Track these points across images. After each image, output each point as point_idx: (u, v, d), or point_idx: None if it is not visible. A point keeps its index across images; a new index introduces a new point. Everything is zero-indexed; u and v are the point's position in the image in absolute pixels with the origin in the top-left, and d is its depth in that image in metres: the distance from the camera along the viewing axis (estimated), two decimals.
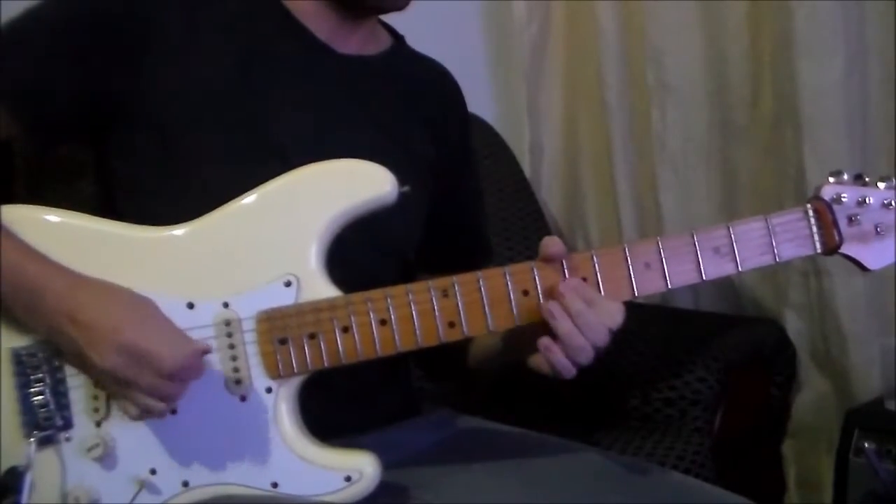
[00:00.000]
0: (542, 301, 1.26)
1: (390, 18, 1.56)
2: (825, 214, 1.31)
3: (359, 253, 1.32)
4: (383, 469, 1.27)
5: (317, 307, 1.26)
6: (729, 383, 2.23)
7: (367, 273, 1.33)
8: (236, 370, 1.26)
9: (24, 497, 1.19)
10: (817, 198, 1.32)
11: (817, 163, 2.26)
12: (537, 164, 2.96)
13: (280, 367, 1.26)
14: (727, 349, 2.28)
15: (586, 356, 1.25)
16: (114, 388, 1.24)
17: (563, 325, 1.24)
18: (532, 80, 2.91)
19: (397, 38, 1.61)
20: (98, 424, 1.27)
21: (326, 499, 1.26)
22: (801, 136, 2.29)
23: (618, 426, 2.21)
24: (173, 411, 1.26)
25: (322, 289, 1.27)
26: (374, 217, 1.29)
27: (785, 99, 2.34)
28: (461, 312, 1.26)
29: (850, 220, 1.31)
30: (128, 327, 1.21)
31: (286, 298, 1.26)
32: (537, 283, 1.26)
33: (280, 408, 1.27)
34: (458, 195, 1.66)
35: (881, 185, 1.33)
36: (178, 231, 1.29)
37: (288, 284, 1.26)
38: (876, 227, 1.32)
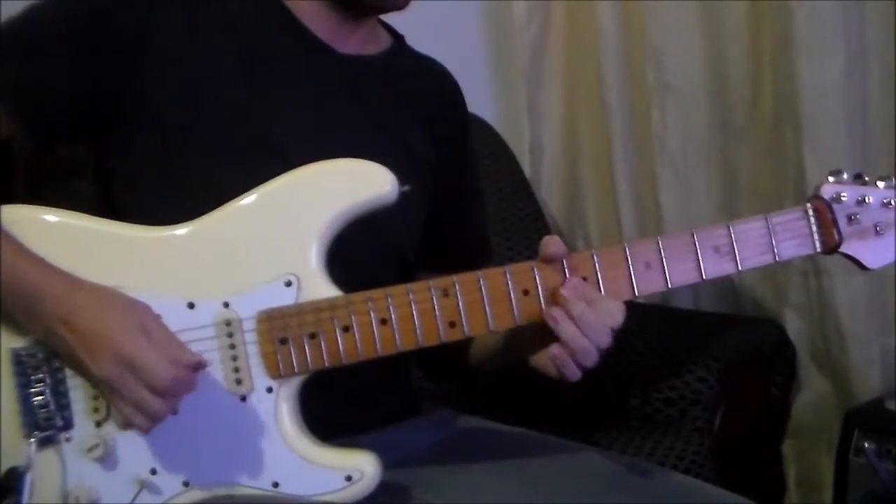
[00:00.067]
0: (542, 301, 1.27)
1: (390, 18, 1.56)
2: (825, 213, 1.31)
3: (359, 252, 1.32)
4: (384, 469, 1.27)
5: (317, 307, 1.26)
6: (729, 383, 2.23)
7: (367, 273, 1.33)
8: (237, 370, 1.26)
9: (25, 497, 1.19)
10: (817, 197, 1.32)
11: (817, 163, 2.26)
12: (537, 164, 2.96)
13: (280, 366, 1.26)
14: (727, 349, 2.28)
15: (591, 359, 1.25)
16: (106, 395, 1.24)
17: (566, 329, 1.24)
18: (532, 80, 2.92)
19: (397, 37, 1.61)
20: (98, 425, 1.27)
21: (327, 498, 1.26)
22: (801, 136, 2.29)
23: (618, 426, 2.21)
24: (174, 411, 1.25)
25: (322, 288, 1.27)
26: (375, 217, 1.29)
27: (785, 99, 2.35)
28: (462, 312, 1.26)
29: (850, 219, 1.31)
30: (123, 336, 1.20)
31: (286, 298, 1.26)
32: (538, 282, 1.26)
33: (280, 407, 1.27)
34: (458, 195, 1.66)
35: (880, 184, 1.33)
36: (179, 231, 1.29)
37: (288, 284, 1.26)
38: (875, 226, 1.32)
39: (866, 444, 2.05)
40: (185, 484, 1.27)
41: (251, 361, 1.26)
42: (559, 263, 1.27)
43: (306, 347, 1.26)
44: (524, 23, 2.87)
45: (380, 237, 1.41)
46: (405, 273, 1.51)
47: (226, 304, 1.26)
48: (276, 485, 1.27)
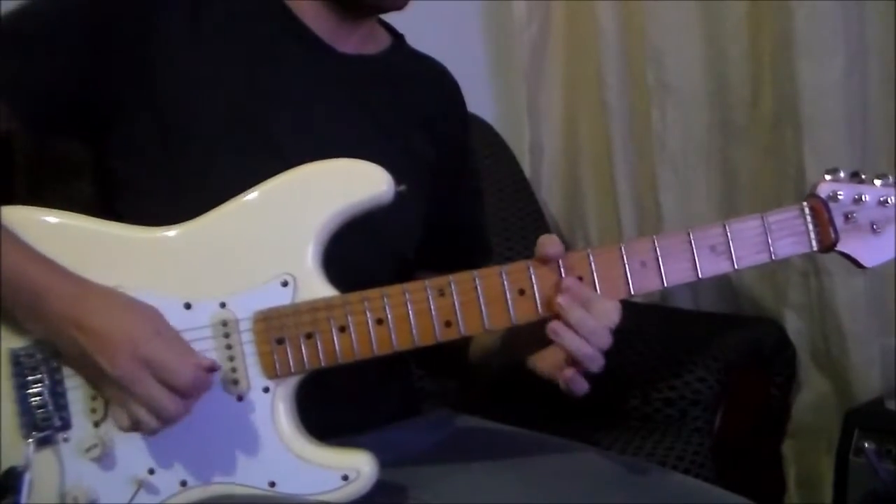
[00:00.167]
0: (538, 301, 1.26)
1: (390, 18, 1.56)
2: (821, 212, 1.31)
3: (356, 252, 1.32)
4: (382, 469, 1.27)
5: (314, 307, 1.26)
6: (729, 383, 2.23)
7: (364, 272, 1.33)
8: (233, 370, 1.26)
9: (23, 497, 1.19)
10: (813, 195, 1.32)
11: (817, 163, 2.26)
12: (537, 164, 2.96)
13: (277, 366, 1.26)
14: (727, 349, 2.28)
15: (598, 363, 1.25)
16: (113, 395, 1.23)
17: (569, 339, 1.24)
18: (532, 80, 2.92)
19: (397, 36, 1.61)
20: (96, 425, 1.27)
21: (324, 498, 1.26)
22: (801, 136, 2.29)
23: (618, 426, 2.21)
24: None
25: (319, 288, 1.27)
26: (372, 216, 1.29)
27: (785, 99, 2.34)
28: (458, 312, 1.26)
29: (847, 217, 1.31)
30: (143, 337, 1.20)
31: (283, 298, 1.26)
32: (534, 282, 1.26)
33: (277, 407, 1.27)
34: (458, 194, 1.66)
35: (877, 182, 1.32)
36: (175, 231, 1.29)
37: (285, 284, 1.26)
38: (872, 224, 1.31)
39: (866, 444, 2.05)
40: (183, 484, 1.27)
41: (248, 361, 1.26)
42: (555, 263, 1.26)
43: (303, 347, 1.26)
44: (524, 23, 2.88)
45: (377, 237, 1.41)
46: (403, 273, 1.51)
47: (222, 305, 1.26)
48: (272, 484, 1.27)
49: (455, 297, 1.26)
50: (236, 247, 1.28)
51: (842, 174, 1.32)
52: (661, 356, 2.28)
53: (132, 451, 1.27)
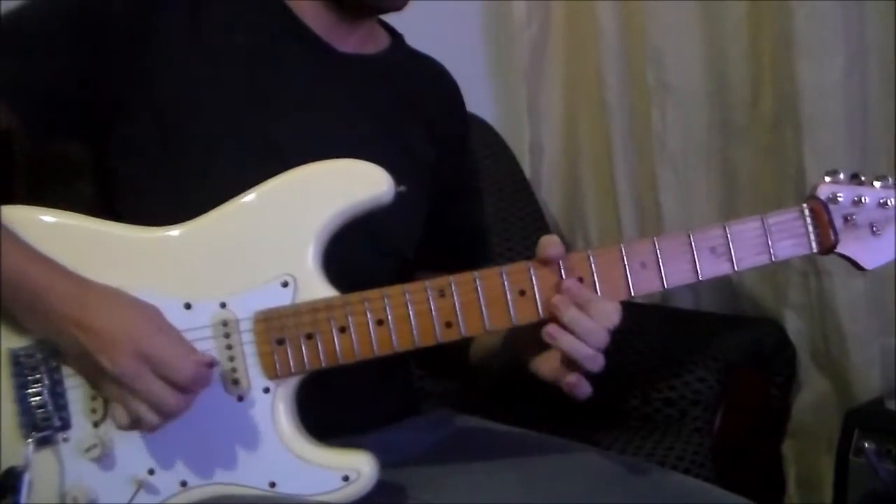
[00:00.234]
0: (539, 302, 1.26)
1: (390, 18, 1.56)
2: (821, 214, 1.31)
3: (356, 253, 1.32)
4: (382, 469, 1.27)
5: (314, 307, 1.26)
6: (729, 383, 2.23)
7: (364, 273, 1.33)
8: (234, 370, 1.26)
9: (23, 497, 1.19)
10: (813, 197, 1.32)
11: (817, 163, 2.26)
12: (537, 164, 2.96)
13: (277, 367, 1.26)
14: (727, 349, 2.28)
15: (597, 363, 1.25)
16: (113, 393, 1.23)
17: (565, 341, 1.24)
18: (532, 80, 2.91)
19: (396, 36, 1.61)
20: (96, 425, 1.27)
21: (324, 498, 1.26)
22: (801, 136, 2.29)
23: (618, 426, 2.21)
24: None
25: (319, 289, 1.27)
26: (372, 217, 1.29)
27: (785, 99, 2.34)
28: (458, 312, 1.26)
29: (846, 219, 1.31)
30: (143, 333, 1.20)
31: (283, 299, 1.26)
32: (534, 282, 1.26)
33: (278, 408, 1.27)
34: (458, 194, 1.66)
35: (877, 184, 1.32)
36: (176, 231, 1.29)
37: (285, 285, 1.26)
38: (872, 226, 1.31)
39: (866, 444, 2.05)
40: (183, 484, 1.27)
41: (248, 362, 1.27)
42: (556, 264, 1.26)
43: (303, 348, 1.26)
44: (524, 23, 2.87)
45: (377, 237, 1.41)
46: (403, 273, 1.51)
47: (223, 305, 1.27)
48: (272, 485, 1.27)
49: (455, 298, 1.26)
50: (237, 247, 1.28)
51: (841, 176, 1.32)
52: (661, 356, 2.28)
53: (132, 452, 1.27)
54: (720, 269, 1.28)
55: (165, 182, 1.37)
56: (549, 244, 1.26)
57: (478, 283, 1.26)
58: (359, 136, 1.46)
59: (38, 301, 1.23)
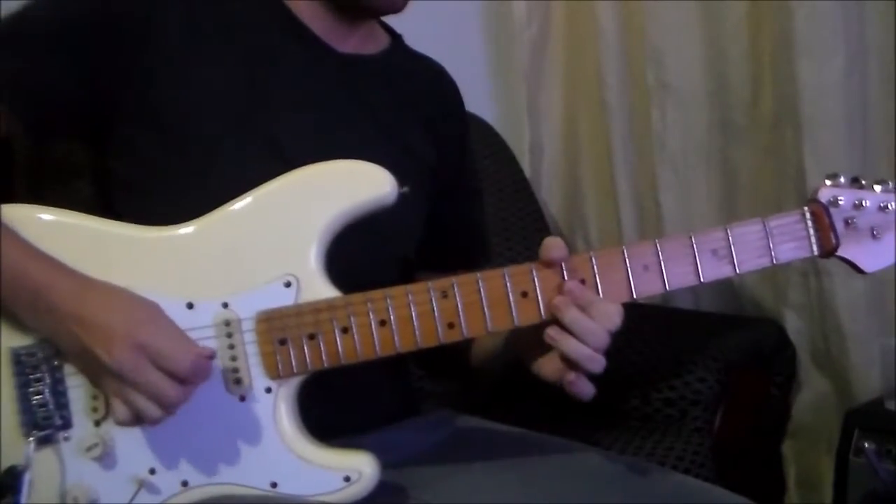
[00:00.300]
0: (541, 303, 1.26)
1: (389, 18, 1.56)
2: (822, 217, 1.31)
3: (358, 253, 1.31)
4: (383, 469, 1.27)
5: (316, 308, 1.26)
6: (729, 383, 2.23)
7: (366, 273, 1.33)
8: (236, 370, 1.26)
9: (23, 496, 1.19)
10: (814, 200, 1.32)
11: (817, 163, 2.26)
12: (537, 164, 2.96)
13: (279, 367, 1.26)
14: (727, 349, 2.28)
15: (598, 364, 1.24)
16: (113, 388, 1.22)
17: (566, 343, 1.24)
18: (532, 80, 2.92)
19: (395, 37, 1.61)
20: (97, 424, 1.27)
21: (325, 499, 1.26)
22: (801, 136, 2.29)
23: (618, 426, 2.21)
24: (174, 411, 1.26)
25: (322, 289, 1.27)
26: (374, 217, 1.29)
27: (785, 99, 2.35)
28: (460, 313, 1.26)
29: (847, 222, 1.31)
30: (140, 326, 1.20)
31: (286, 299, 1.26)
32: (536, 284, 1.26)
33: (279, 408, 1.27)
34: (458, 194, 1.66)
35: (877, 188, 1.32)
36: (178, 231, 1.29)
37: (288, 285, 1.26)
38: (872, 229, 1.32)
39: (866, 444, 2.05)
40: (184, 484, 1.27)
41: (250, 362, 1.26)
42: (558, 266, 1.26)
43: (305, 348, 1.26)
44: (524, 23, 2.87)
45: (379, 238, 1.41)
46: (405, 273, 1.51)
47: (225, 305, 1.26)
48: (274, 485, 1.27)
49: (458, 299, 1.26)
50: (239, 247, 1.28)
51: (842, 179, 1.33)
52: (661, 356, 2.28)
53: (133, 451, 1.27)
54: (722, 271, 1.28)
55: (165, 182, 1.37)
56: (552, 246, 1.26)
57: (480, 284, 1.26)
58: (359, 136, 1.46)
59: (38, 299, 1.24)
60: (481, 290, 1.26)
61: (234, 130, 1.37)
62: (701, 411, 2.19)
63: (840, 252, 1.32)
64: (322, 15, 1.46)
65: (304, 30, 1.45)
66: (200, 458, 1.27)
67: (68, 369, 1.27)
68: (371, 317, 1.26)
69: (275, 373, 1.26)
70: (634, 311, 1.28)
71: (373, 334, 1.26)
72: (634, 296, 1.27)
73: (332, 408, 1.34)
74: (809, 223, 1.31)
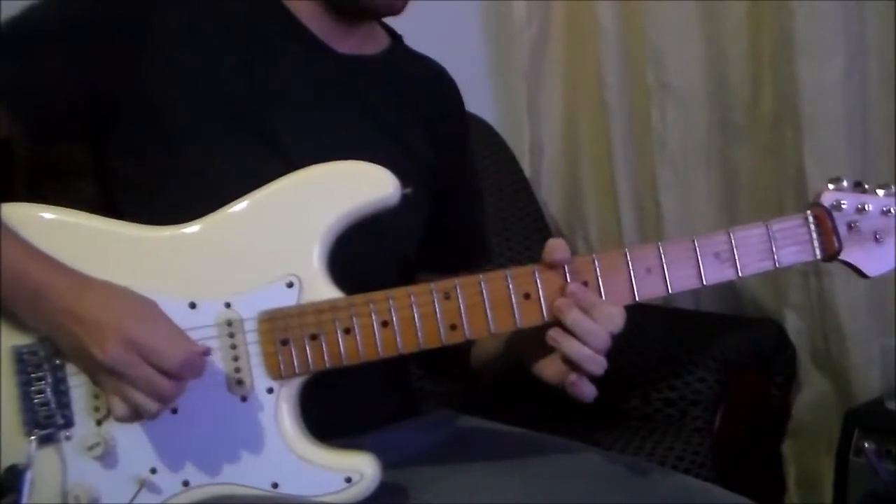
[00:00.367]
0: (543, 305, 1.26)
1: (389, 19, 1.56)
2: (825, 221, 1.32)
3: (360, 253, 1.31)
4: (383, 469, 1.27)
5: (318, 308, 1.26)
6: (729, 383, 2.24)
7: (367, 274, 1.33)
8: (238, 370, 1.26)
9: (25, 496, 1.19)
10: (817, 204, 1.33)
11: (817, 163, 2.26)
12: (537, 164, 2.95)
13: (281, 367, 1.26)
14: (727, 349, 2.28)
15: (599, 366, 1.25)
16: (110, 385, 1.23)
17: (567, 345, 1.24)
18: (532, 80, 2.91)
19: (395, 37, 1.61)
20: (99, 423, 1.27)
21: (326, 499, 1.26)
22: (801, 136, 2.29)
23: (618, 426, 2.21)
24: (174, 411, 1.26)
25: (324, 290, 1.27)
26: (375, 218, 1.29)
27: (785, 99, 2.34)
28: (463, 315, 1.26)
29: (850, 226, 1.31)
30: (133, 323, 1.20)
31: (288, 299, 1.26)
32: (539, 286, 1.26)
33: (281, 408, 1.27)
34: (458, 194, 1.66)
35: (880, 192, 1.33)
36: (181, 231, 1.29)
37: (290, 285, 1.26)
38: (875, 233, 1.32)
39: (866, 444, 2.05)
40: (185, 483, 1.27)
41: (252, 362, 1.27)
42: (561, 268, 1.26)
43: (307, 348, 1.26)
44: (524, 23, 2.87)
45: (381, 238, 1.41)
46: (406, 273, 1.51)
47: (227, 305, 1.27)
48: (275, 485, 1.27)
49: (460, 301, 1.26)
50: (242, 247, 1.28)
51: (845, 183, 1.33)
52: (661, 356, 2.28)
53: (134, 450, 1.27)
54: (724, 274, 1.28)
55: (166, 182, 1.37)
56: (556, 248, 1.26)
57: (483, 286, 1.26)
58: (358, 136, 1.47)
59: (38, 298, 1.24)
60: (484, 291, 1.26)
61: (234, 131, 1.38)
62: (701, 411, 2.20)
63: (843, 256, 1.32)
64: (321, 16, 1.46)
65: (303, 30, 1.45)
66: (202, 457, 1.27)
67: (70, 368, 1.27)
68: (373, 318, 1.26)
69: (277, 373, 1.26)
70: (635, 311, 1.28)
71: (375, 335, 1.26)
72: (637, 298, 1.28)
73: (333, 408, 1.34)
74: (812, 227, 1.31)
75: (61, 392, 1.27)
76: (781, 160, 2.39)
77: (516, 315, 1.26)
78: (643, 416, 2.25)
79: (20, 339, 1.28)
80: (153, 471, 1.27)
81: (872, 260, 1.33)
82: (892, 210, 1.32)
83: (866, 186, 1.33)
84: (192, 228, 1.29)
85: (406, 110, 1.55)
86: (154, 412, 1.21)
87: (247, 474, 1.27)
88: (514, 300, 1.26)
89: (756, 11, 2.42)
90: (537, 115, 2.93)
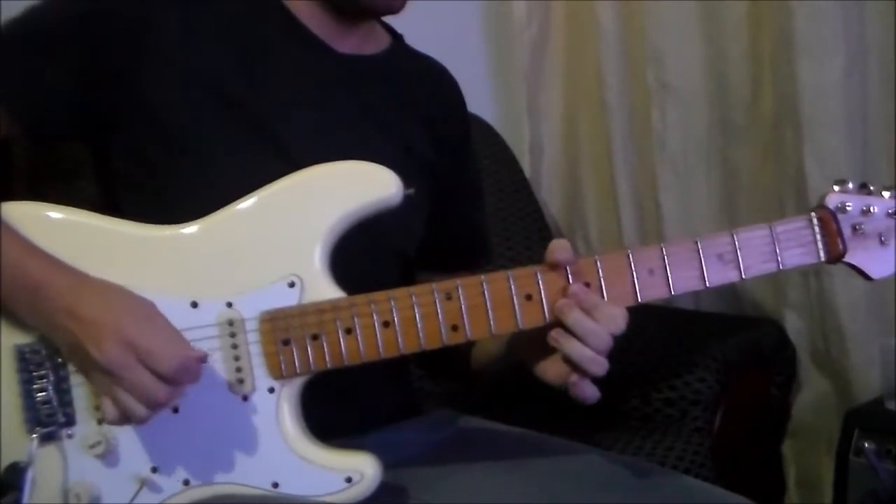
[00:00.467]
0: (545, 307, 1.26)
1: (389, 18, 1.56)
2: (829, 223, 1.31)
3: (362, 254, 1.32)
4: (383, 469, 1.27)
5: (320, 308, 1.26)
6: (729, 383, 2.24)
7: (369, 274, 1.33)
8: (239, 370, 1.27)
9: (26, 494, 1.19)
10: (822, 206, 1.32)
11: (817, 163, 2.26)
12: (537, 164, 2.95)
13: (283, 367, 1.26)
14: (727, 349, 2.28)
15: (599, 367, 1.25)
16: (103, 385, 1.22)
17: (568, 346, 1.24)
18: (532, 80, 2.91)
19: (396, 36, 1.61)
20: (100, 422, 1.27)
21: (327, 499, 1.26)
22: (801, 136, 2.29)
23: (618, 426, 2.21)
24: (175, 410, 1.26)
25: (326, 290, 1.27)
26: (376, 218, 1.29)
27: (785, 99, 2.34)
28: (464, 316, 1.26)
29: (854, 229, 1.31)
30: (131, 324, 1.20)
31: (290, 299, 1.27)
32: (541, 287, 1.26)
33: (282, 408, 1.27)
34: (458, 194, 1.66)
35: (885, 194, 1.33)
36: (183, 230, 1.29)
37: (292, 285, 1.26)
38: (880, 236, 1.32)
39: (866, 444, 2.05)
40: (186, 483, 1.27)
41: (253, 361, 1.27)
42: (563, 269, 1.27)
43: (308, 348, 1.26)
44: (524, 23, 2.87)
45: (383, 238, 1.41)
46: (406, 274, 1.52)
47: (229, 304, 1.27)
48: (276, 485, 1.27)
49: (462, 301, 1.26)
50: (244, 247, 1.28)
51: (850, 185, 1.33)
52: (661, 356, 2.28)
53: (136, 449, 1.27)
54: (727, 276, 1.29)
55: (167, 182, 1.37)
56: (558, 248, 1.26)
57: (484, 286, 1.26)
58: (359, 136, 1.47)
59: (37, 297, 1.24)
60: (485, 292, 1.26)
61: (234, 131, 1.38)
62: (701, 411, 2.19)
63: (847, 258, 1.32)
64: (321, 15, 1.46)
65: (303, 30, 1.45)
66: (202, 457, 1.28)
67: (72, 367, 1.27)
68: (375, 318, 1.26)
69: (278, 373, 1.27)
70: (635, 311, 1.28)
71: (376, 335, 1.26)
72: (639, 299, 1.28)
73: (333, 408, 1.34)
74: (816, 229, 1.31)
75: (63, 390, 1.27)
76: (781, 160, 2.39)
77: (518, 316, 1.26)
78: (643, 416, 2.24)
79: (22, 338, 1.28)
80: (154, 470, 1.27)
81: (877, 262, 1.33)
82: None
83: (872, 188, 1.33)
84: (194, 228, 1.29)
85: (407, 110, 1.55)
86: (143, 417, 1.21)
87: (247, 474, 1.27)
88: (515, 301, 1.26)
89: (756, 11, 2.42)
90: (537, 115, 2.93)
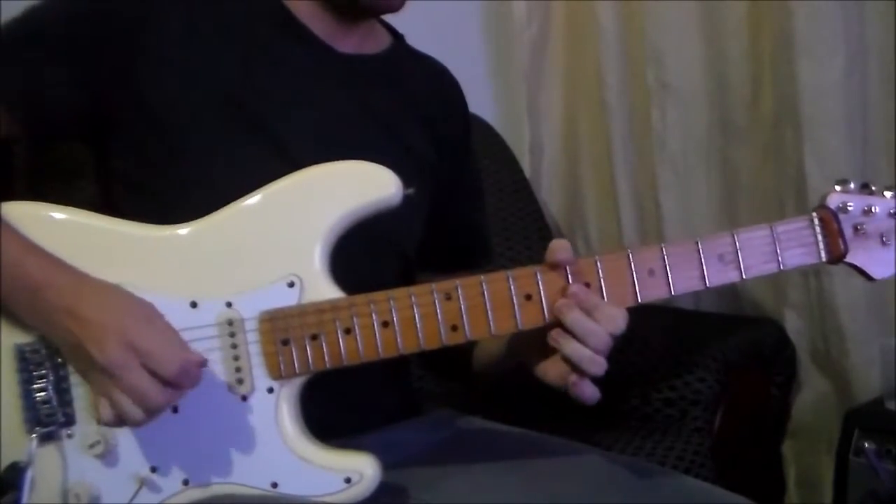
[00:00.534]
0: (545, 307, 1.26)
1: (389, 18, 1.56)
2: (830, 223, 1.31)
3: (361, 254, 1.32)
4: (383, 469, 1.27)
5: (319, 308, 1.26)
6: (729, 383, 2.23)
7: (368, 274, 1.33)
8: (238, 370, 1.26)
9: (25, 494, 1.19)
10: (823, 206, 1.32)
11: (817, 163, 2.26)
12: (537, 164, 2.95)
13: (282, 367, 1.26)
14: (727, 349, 2.28)
15: (598, 367, 1.24)
16: (100, 386, 1.22)
17: (567, 346, 1.24)
18: (532, 80, 2.91)
19: (396, 36, 1.61)
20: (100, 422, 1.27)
21: (326, 500, 1.26)
22: (801, 136, 2.29)
23: (618, 426, 2.21)
24: (174, 410, 1.26)
25: (325, 290, 1.27)
26: (376, 218, 1.29)
27: (785, 99, 2.35)
28: (464, 316, 1.26)
29: (856, 229, 1.31)
30: (133, 325, 1.20)
31: (289, 299, 1.26)
32: (541, 287, 1.26)
33: (281, 408, 1.27)
34: (459, 194, 1.66)
35: (887, 194, 1.32)
36: (183, 230, 1.29)
37: (291, 285, 1.26)
38: (881, 236, 1.32)
39: (866, 444, 2.05)
40: (185, 483, 1.27)
41: (253, 361, 1.27)
42: (563, 269, 1.26)
43: (308, 348, 1.26)
44: (524, 23, 2.87)
45: (383, 238, 1.41)
46: (406, 274, 1.51)
47: (228, 304, 1.27)
48: (275, 485, 1.27)
49: (462, 302, 1.26)
50: (244, 246, 1.28)
51: (851, 185, 1.32)
52: (661, 356, 2.28)
53: (135, 449, 1.27)
54: (728, 276, 1.28)
55: (167, 182, 1.37)
56: (559, 248, 1.26)
57: (484, 286, 1.26)
58: (359, 135, 1.46)
59: (36, 296, 1.24)
60: (485, 292, 1.26)
61: (234, 130, 1.38)
62: (701, 411, 2.19)
63: (848, 258, 1.32)
64: (321, 15, 1.46)
65: (303, 30, 1.45)
66: (202, 457, 1.28)
67: (72, 367, 1.27)
68: (374, 318, 1.26)
69: (277, 373, 1.27)
70: (634, 311, 1.28)
71: (376, 335, 1.26)
72: (639, 300, 1.27)
73: (333, 408, 1.34)
74: (818, 229, 1.31)
75: (63, 390, 1.27)
76: (781, 160, 2.39)
77: (517, 316, 1.26)
78: (643, 416, 2.24)
79: (22, 338, 1.28)
80: (153, 469, 1.27)
81: (878, 263, 1.33)
82: None
83: (873, 188, 1.33)
84: (194, 228, 1.29)
85: (407, 110, 1.55)
86: (138, 420, 1.21)
87: (246, 474, 1.27)
88: (515, 301, 1.26)
89: (756, 11, 2.42)
90: (537, 115, 2.93)
